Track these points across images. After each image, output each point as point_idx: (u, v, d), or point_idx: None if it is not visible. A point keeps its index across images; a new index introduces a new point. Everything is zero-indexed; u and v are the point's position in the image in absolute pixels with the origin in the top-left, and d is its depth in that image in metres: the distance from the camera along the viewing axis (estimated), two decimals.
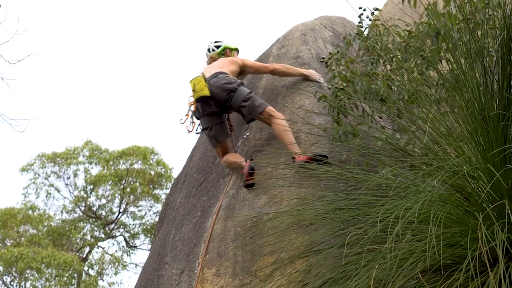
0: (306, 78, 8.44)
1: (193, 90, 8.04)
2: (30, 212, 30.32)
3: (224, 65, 8.48)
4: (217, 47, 9.08)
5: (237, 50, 9.13)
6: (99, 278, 29.81)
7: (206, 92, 7.97)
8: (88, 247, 30.90)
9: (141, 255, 34.52)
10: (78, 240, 30.80)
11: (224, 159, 8.11)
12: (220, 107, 8.13)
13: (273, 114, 7.85)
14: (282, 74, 8.58)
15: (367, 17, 7.66)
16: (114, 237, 31.67)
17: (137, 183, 30.32)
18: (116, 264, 30.55)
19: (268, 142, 7.86)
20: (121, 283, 33.83)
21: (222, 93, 8.03)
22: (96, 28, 60.46)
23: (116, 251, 31.55)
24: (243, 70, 8.68)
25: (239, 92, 8.05)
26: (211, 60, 8.92)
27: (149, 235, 30.94)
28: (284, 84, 8.52)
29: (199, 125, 9.21)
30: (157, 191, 30.80)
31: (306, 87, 8.27)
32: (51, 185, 30.94)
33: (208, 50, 9.09)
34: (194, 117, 8.30)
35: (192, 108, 8.19)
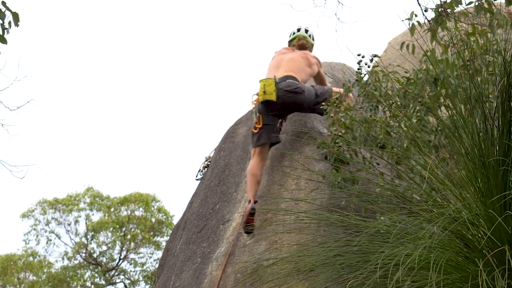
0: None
1: (264, 91, 8.10)
2: (31, 258, 30.17)
3: (301, 70, 8.56)
4: (312, 37, 9.11)
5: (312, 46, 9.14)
6: None
7: (273, 97, 8.07)
8: None
9: None
10: (78, 287, 30.60)
11: (249, 167, 8.00)
12: (283, 111, 8.29)
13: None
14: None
15: (366, 64, 7.69)
16: (114, 283, 31.48)
17: (138, 230, 30.23)
18: None
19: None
20: None
21: (291, 96, 8.16)
22: (95, 75, 60.74)
23: None
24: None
25: (307, 91, 8.26)
26: (298, 42, 8.96)
27: (149, 282, 30.77)
28: (284, 130, 8.53)
29: (202, 170, 9.22)
30: (157, 238, 30.69)
31: (305, 134, 8.27)
32: (52, 231, 30.83)
33: (306, 31, 9.08)
34: (257, 113, 8.30)
35: (254, 106, 8.33)
